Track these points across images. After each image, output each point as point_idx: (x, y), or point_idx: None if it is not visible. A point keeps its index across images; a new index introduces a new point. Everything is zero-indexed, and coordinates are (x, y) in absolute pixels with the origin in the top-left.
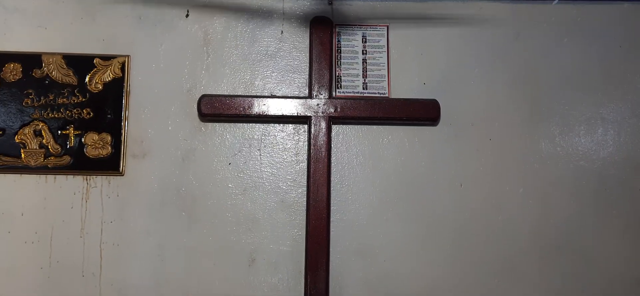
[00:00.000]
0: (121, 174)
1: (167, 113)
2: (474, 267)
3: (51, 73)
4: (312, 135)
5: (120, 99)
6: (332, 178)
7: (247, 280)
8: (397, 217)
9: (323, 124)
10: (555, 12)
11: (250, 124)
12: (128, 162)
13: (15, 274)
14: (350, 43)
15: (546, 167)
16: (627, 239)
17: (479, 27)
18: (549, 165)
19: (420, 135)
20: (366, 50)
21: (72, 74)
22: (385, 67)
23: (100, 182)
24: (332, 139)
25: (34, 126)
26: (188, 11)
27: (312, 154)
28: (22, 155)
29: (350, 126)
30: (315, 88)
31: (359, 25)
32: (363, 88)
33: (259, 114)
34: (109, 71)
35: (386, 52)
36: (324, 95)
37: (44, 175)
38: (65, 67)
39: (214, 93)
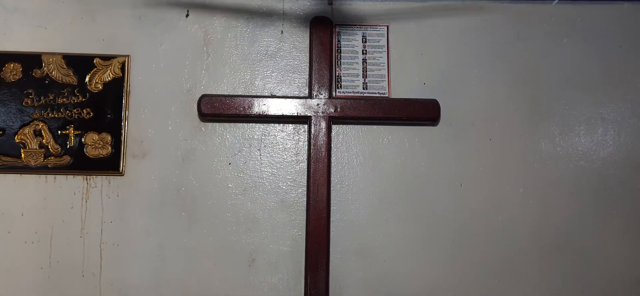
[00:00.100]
0: (121, 174)
1: (167, 113)
2: (474, 267)
3: (51, 73)
4: (312, 135)
5: (120, 99)
6: (332, 178)
7: (247, 280)
8: (397, 217)
9: (323, 124)
10: (555, 12)
11: (250, 124)
12: (128, 162)
13: (15, 274)
14: (350, 43)
15: (546, 167)
16: (627, 239)
17: (479, 27)
18: (549, 165)
19: (420, 135)
20: (366, 50)
21: (72, 74)
22: (385, 67)
23: (100, 182)
24: (332, 139)
25: (34, 126)
26: (188, 11)
27: (312, 154)
28: (22, 155)
29: (350, 126)
30: (315, 88)
31: (359, 25)
32: (363, 88)
33: (259, 114)
34: (109, 71)
35: (386, 52)
36: (324, 95)
37: (44, 175)
38: (65, 67)
39: (214, 93)
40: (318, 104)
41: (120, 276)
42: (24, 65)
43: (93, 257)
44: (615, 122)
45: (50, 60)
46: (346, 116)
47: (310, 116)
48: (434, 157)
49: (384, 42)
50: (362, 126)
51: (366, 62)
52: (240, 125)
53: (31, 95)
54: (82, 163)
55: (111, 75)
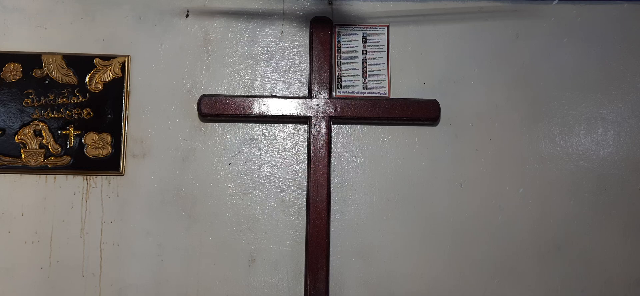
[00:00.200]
0: (121, 174)
1: (167, 113)
2: (473, 267)
3: (51, 73)
4: (312, 135)
5: (120, 99)
6: (332, 178)
7: (247, 280)
8: (397, 217)
9: (323, 124)
10: (555, 12)
11: (250, 124)
12: (128, 162)
13: (15, 274)
14: (350, 43)
15: (546, 167)
16: (626, 239)
17: (478, 27)
18: (549, 165)
19: (420, 135)
20: (366, 50)
21: (72, 74)
22: (385, 67)
23: (100, 182)
24: (332, 139)
25: (34, 126)
26: (188, 11)
27: (312, 154)
28: (22, 155)
29: (350, 126)
30: (315, 88)
31: (359, 25)
32: (363, 88)
33: (259, 114)
34: (109, 71)
35: (386, 52)
36: (324, 95)
37: (44, 175)
38: (65, 67)
39: (214, 93)
40: (318, 104)
41: (120, 276)
42: (24, 65)
43: (93, 257)
44: (615, 122)
45: (50, 60)
46: (346, 116)
47: (310, 116)
48: (434, 157)
49: (384, 42)
50: (362, 126)
51: (366, 62)
52: (240, 125)
53: (31, 95)
54: (82, 163)
55: (111, 75)
